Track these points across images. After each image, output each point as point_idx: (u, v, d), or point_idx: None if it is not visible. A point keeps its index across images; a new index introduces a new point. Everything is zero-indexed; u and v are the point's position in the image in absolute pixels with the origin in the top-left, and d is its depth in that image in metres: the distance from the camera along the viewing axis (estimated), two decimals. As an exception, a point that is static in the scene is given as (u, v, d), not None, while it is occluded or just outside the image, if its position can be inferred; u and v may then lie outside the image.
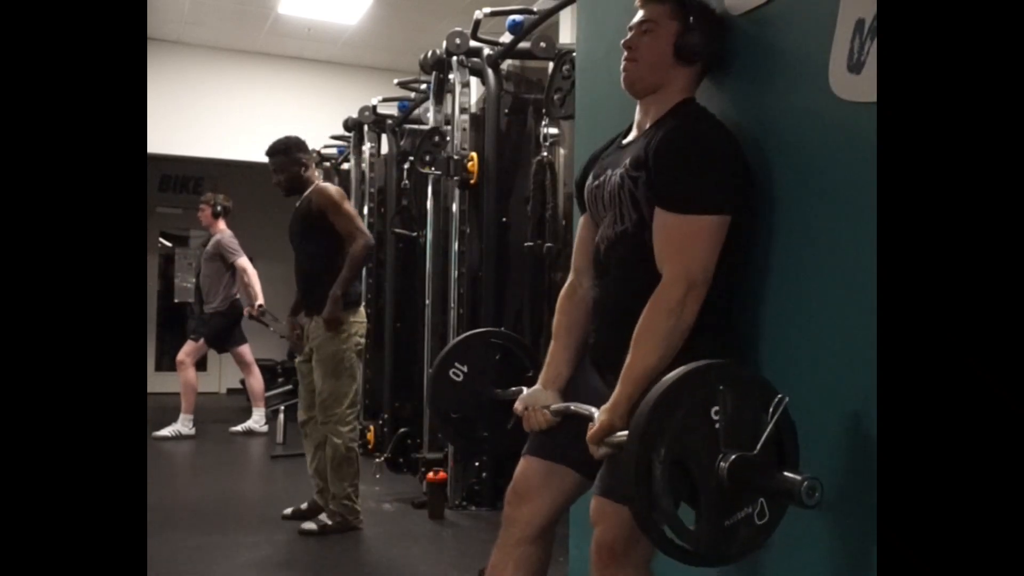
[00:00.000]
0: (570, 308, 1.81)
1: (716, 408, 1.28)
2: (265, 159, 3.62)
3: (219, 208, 6.04)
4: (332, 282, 3.42)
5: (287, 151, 3.57)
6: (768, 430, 1.29)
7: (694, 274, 1.50)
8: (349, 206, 3.57)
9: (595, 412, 1.53)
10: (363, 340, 3.60)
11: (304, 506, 3.70)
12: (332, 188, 3.57)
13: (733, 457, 1.27)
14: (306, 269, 3.55)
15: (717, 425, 1.28)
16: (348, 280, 3.45)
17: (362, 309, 3.60)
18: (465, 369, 1.99)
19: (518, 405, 1.78)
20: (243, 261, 5.99)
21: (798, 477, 1.23)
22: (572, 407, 1.67)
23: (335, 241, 3.49)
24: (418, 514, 3.85)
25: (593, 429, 1.51)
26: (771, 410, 1.30)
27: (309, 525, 3.50)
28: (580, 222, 1.84)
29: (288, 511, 3.71)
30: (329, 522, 3.50)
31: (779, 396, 1.31)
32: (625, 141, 1.71)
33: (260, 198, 7.35)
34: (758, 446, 1.28)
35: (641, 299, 1.52)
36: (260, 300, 6.07)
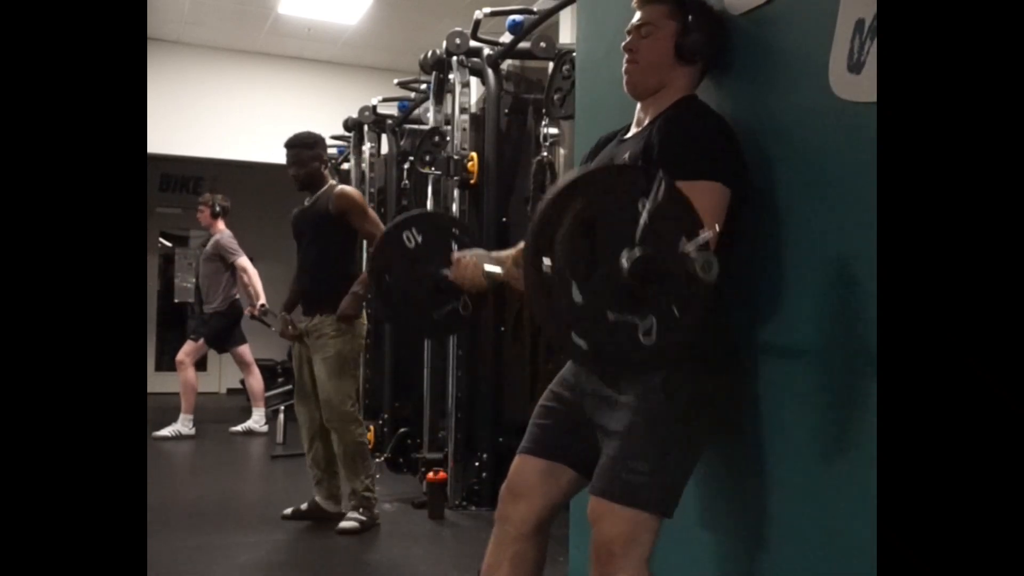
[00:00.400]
0: None
1: (644, 201, 1.25)
2: (265, 159, 3.65)
3: (218, 208, 6.04)
4: (338, 282, 3.46)
5: (312, 145, 3.59)
6: (649, 207, 1.25)
7: None
8: (372, 210, 3.66)
9: None
10: (364, 340, 3.64)
11: (304, 506, 3.70)
12: (356, 192, 3.63)
13: (641, 252, 1.24)
14: (313, 268, 3.56)
15: (642, 220, 1.25)
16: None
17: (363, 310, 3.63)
18: (419, 239, 1.93)
19: (457, 253, 1.83)
20: (243, 261, 5.99)
21: (693, 253, 1.23)
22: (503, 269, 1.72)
23: (347, 242, 3.54)
24: (418, 514, 3.85)
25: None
26: (655, 186, 1.26)
27: (348, 523, 3.50)
28: None
29: (288, 511, 3.71)
30: (364, 517, 3.51)
31: (661, 174, 1.28)
32: (625, 137, 1.72)
33: (260, 198, 7.35)
34: (639, 226, 1.24)
35: None
36: (262, 300, 6.07)
